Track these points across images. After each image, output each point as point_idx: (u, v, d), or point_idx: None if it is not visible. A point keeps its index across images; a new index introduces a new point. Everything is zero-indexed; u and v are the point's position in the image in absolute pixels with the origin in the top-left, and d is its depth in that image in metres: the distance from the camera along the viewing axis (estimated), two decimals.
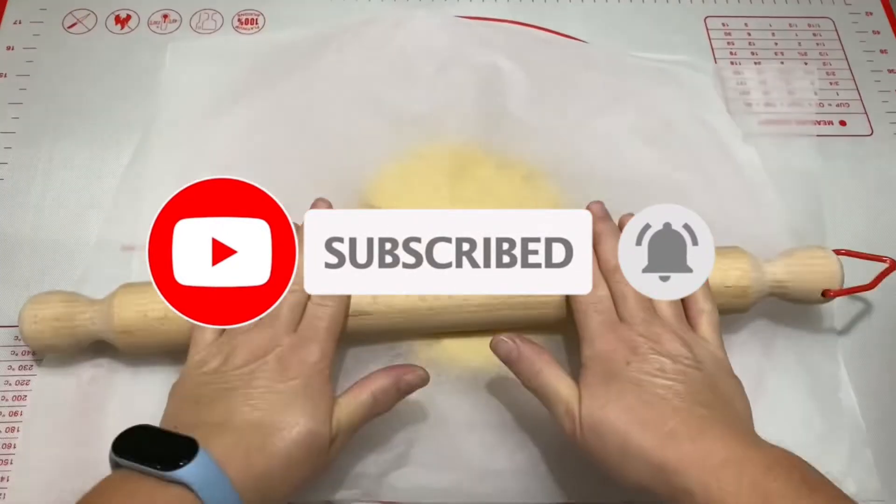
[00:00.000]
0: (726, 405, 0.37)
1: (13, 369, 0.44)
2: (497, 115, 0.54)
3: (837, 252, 0.45)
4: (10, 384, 0.44)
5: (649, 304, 0.40)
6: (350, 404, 0.38)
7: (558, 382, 0.38)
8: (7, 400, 0.43)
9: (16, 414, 0.43)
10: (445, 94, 0.54)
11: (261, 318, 0.39)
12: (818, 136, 0.55)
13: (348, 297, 0.41)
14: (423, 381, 0.40)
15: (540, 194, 0.51)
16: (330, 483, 0.41)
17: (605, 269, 0.41)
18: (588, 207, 0.44)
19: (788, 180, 0.52)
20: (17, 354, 0.45)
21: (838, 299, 0.48)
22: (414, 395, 0.43)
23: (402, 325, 0.43)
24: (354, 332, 0.43)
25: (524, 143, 0.53)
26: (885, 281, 0.47)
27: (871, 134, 0.56)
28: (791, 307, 0.47)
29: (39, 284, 0.47)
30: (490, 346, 0.40)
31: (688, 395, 0.36)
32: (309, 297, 0.40)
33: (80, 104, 0.54)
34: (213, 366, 0.38)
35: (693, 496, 0.32)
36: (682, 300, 0.42)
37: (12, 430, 0.43)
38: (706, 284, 0.42)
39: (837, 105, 0.57)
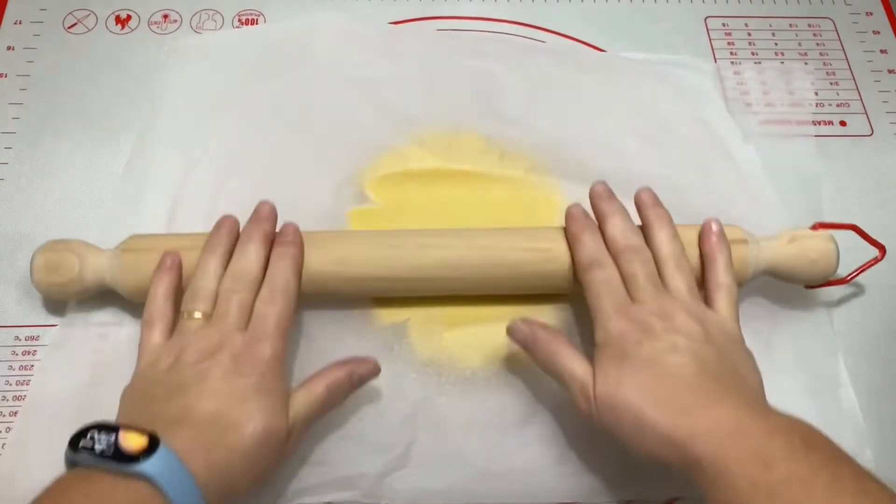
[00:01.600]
0: (737, 378, 0.37)
1: (13, 369, 0.44)
2: (496, 116, 0.54)
3: (844, 226, 0.46)
4: (11, 384, 0.44)
5: (659, 282, 0.41)
6: (305, 398, 0.39)
7: (573, 364, 0.39)
8: (7, 400, 0.43)
9: (15, 414, 0.43)
10: (442, 96, 0.55)
11: (210, 320, 0.39)
12: (818, 136, 0.55)
13: (296, 295, 0.41)
14: (375, 373, 0.42)
15: (541, 190, 0.51)
16: (329, 484, 0.41)
17: (615, 250, 0.42)
18: (592, 187, 0.45)
19: (788, 180, 0.52)
20: (17, 354, 0.45)
21: (838, 297, 0.49)
22: (414, 396, 0.44)
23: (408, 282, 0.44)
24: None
25: (523, 142, 0.53)
26: (884, 280, 0.47)
27: (871, 134, 0.56)
28: (789, 308, 0.47)
29: None
30: (506, 331, 0.42)
31: (699, 371, 0.36)
32: (255, 297, 0.40)
33: (80, 104, 0.54)
34: (165, 365, 0.38)
35: (702, 467, 0.33)
36: (703, 273, 0.43)
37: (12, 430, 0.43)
38: (728, 258, 0.42)
39: (837, 105, 0.57)
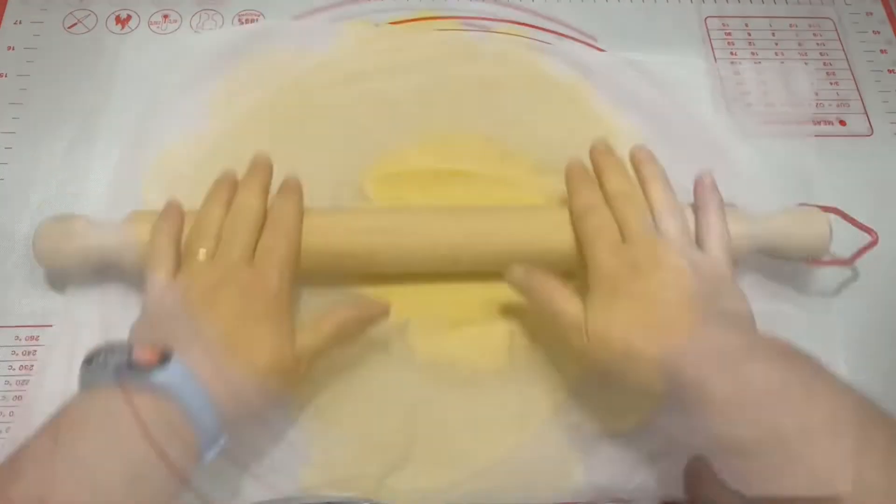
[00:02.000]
0: (725, 308, 0.38)
1: (13, 369, 0.44)
2: (496, 117, 0.54)
3: (827, 209, 0.47)
4: (11, 384, 0.44)
5: (651, 225, 0.42)
6: (313, 330, 0.40)
7: (567, 303, 0.40)
8: (7, 400, 0.43)
9: (14, 414, 0.43)
10: (442, 96, 0.55)
11: (213, 258, 0.40)
12: (818, 135, 0.55)
13: (299, 236, 0.42)
14: (384, 315, 0.42)
15: (542, 190, 0.51)
16: (329, 484, 0.41)
17: (609, 195, 0.44)
18: (593, 144, 0.46)
19: (788, 180, 0.52)
20: (17, 354, 0.45)
21: (839, 298, 0.49)
22: (414, 396, 0.43)
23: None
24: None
25: (523, 142, 0.53)
26: (887, 278, 0.47)
27: (871, 134, 0.56)
28: (787, 310, 0.48)
29: (39, 284, 0.47)
30: (505, 276, 0.43)
31: (688, 303, 0.38)
32: (258, 237, 0.41)
33: (80, 104, 0.53)
34: (171, 301, 0.39)
35: (685, 387, 0.35)
36: (696, 222, 0.43)
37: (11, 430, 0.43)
38: (719, 204, 0.43)
39: (837, 105, 0.57)
